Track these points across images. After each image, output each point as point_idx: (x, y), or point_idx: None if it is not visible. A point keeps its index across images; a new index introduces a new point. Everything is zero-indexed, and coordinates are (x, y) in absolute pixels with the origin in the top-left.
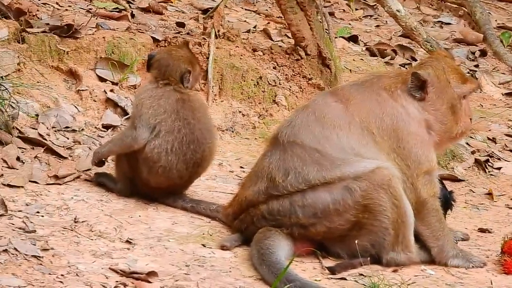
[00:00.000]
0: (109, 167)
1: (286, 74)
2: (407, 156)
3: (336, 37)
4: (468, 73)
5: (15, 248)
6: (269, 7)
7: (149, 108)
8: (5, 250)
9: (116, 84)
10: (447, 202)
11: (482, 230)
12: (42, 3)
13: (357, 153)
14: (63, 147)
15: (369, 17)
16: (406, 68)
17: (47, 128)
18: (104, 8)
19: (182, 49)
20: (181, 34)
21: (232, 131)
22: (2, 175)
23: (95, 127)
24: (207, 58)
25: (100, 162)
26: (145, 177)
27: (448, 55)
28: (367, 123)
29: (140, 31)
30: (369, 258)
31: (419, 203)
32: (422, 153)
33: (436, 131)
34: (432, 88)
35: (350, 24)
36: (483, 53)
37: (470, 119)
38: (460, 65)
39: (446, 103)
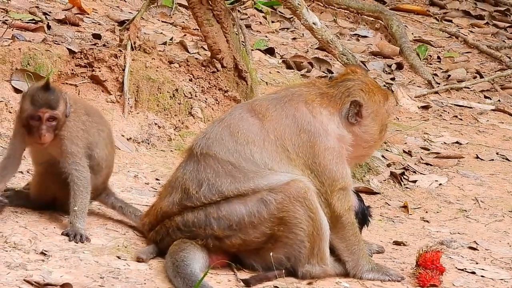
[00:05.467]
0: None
1: (202, 87)
2: (322, 173)
3: (252, 50)
4: (384, 86)
5: None
6: (186, 19)
7: (84, 134)
8: None
9: None
10: (364, 217)
11: (397, 243)
12: None
13: (271, 168)
14: None
15: (285, 29)
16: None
17: None
18: (20, 19)
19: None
20: (97, 46)
21: (148, 143)
22: None
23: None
24: (123, 70)
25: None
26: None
27: (363, 69)
28: (282, 140)
29: (56, 42)
30: (284, 271)
31: (334, 218)
32: (337, 169)
33: (357, 148)
34: (367, 111)
35: (266, 36)
36: (400, 66)
37: None
38: (376, 78)
39: (380, 123)
